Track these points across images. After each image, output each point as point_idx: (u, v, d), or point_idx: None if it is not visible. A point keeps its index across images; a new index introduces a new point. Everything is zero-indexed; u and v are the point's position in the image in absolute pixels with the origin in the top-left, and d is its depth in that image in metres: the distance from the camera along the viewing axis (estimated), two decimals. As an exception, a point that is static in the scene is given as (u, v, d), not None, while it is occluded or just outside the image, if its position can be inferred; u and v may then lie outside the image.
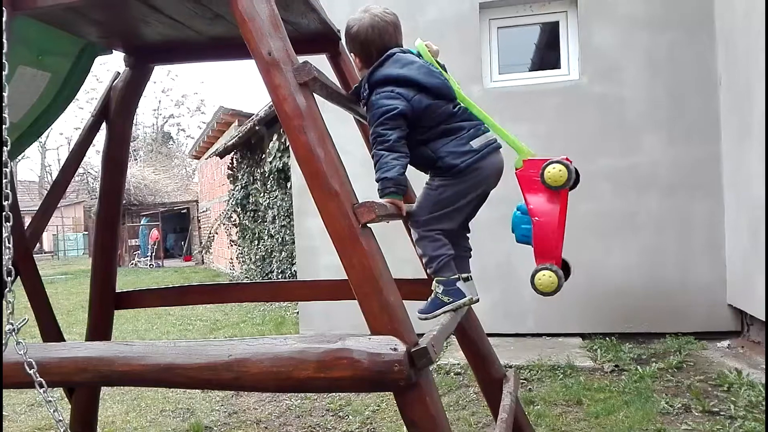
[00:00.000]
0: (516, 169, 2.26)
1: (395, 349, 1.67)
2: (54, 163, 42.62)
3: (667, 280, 5.37)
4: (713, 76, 5.25)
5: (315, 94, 1.91)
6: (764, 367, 4.34)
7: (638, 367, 4.52)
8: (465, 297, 2.31)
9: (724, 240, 5.25)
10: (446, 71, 2.39)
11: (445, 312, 2.29)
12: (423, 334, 1.91)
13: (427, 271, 2.39)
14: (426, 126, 2.25)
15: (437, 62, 2.37)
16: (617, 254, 5.45)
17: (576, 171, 2.22)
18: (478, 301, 2.45)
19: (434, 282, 2.34)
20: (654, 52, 5.36)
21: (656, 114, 5.37)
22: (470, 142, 2.28)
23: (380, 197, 2.15)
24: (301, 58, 1.91)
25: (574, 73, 5.58)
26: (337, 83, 2.71)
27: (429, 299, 2.35)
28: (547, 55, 5.91)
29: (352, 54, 2.44)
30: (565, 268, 2.33)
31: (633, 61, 5.40)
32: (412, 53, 2.36)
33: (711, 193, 5.28)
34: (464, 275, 2.45)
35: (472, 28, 5.56)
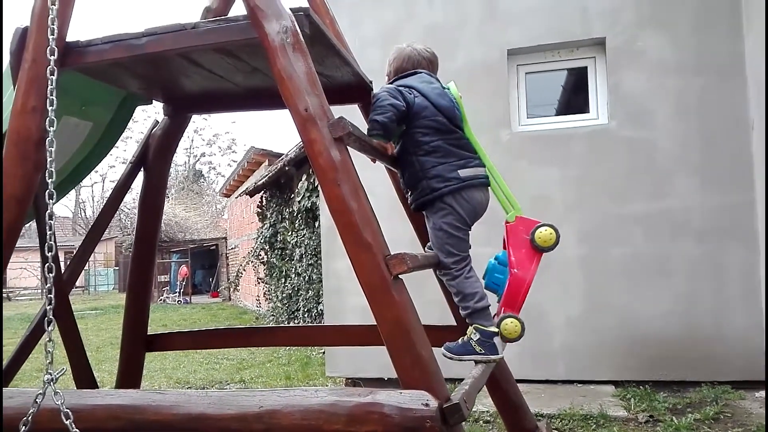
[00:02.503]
0: (507, 222, 2.49)
1: (427, 405, 1.66)
2: (88, 200, 43.64)
3: (702, 326, 5.24)
4: (745, 121, 5.20)
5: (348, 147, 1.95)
6: (807, 420, 4.18)
7: (674, 417, 4.39)
8: (498, 354, 2.32)
9: (761, 286, 5.12)
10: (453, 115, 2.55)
11: (472, 360, 2.30)
12: (451, 380, 1.89)
13: (462, 312, 2.42)
14: (423, 128, 2.41)
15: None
16: (650, 300, 5.34)
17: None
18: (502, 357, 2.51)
19: (471, 328, 2.34)
20: (684, 96, 5.34)
21: (688, 159, 5.32)
22: (458, 170, 2.41)
23: (368, 135, 2.30)
24: (334, 108, 1.97)
25: (603, 118, 5.58)
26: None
27: (460, 341, 2.36)
28: (574, 100, 5.93)
29: (387, 77, 2.72)
30: None
31: (663, 105, 5.39)
32: (439, 82, 2.60)
33: (746, 239, 5.18)
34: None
35: (500, 73, 5.62)
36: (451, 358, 2.35)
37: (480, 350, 2.29)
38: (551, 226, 2.38)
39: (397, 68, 2.64)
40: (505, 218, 2.49)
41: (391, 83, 2.55)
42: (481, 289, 2.40)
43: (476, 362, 2.29)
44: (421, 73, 2.59)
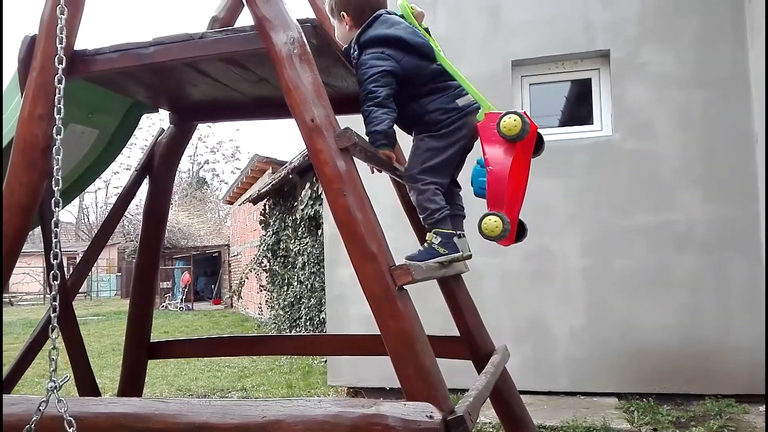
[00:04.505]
0: (478, 122, 2.39)
1: (431, 417, 1.65)
2: (91, 206, 43.73)
3: (705, 339, 5.22)
4: (749, 134, 5.20)
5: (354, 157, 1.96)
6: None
7: (677, 430, 4.36)
8: (459, 252, 2.34)
9: (764, 299, 5.10)
10: (430, 34, 2.52)
11: (436, 262, 2.31)
12: (454, 390, 1.89)
13: (425, 223, 2.44)
14: (416, 84, 2.39)
15: (421, 26, 2.50)
16: (653, 312, 5.32)
17: (539, 135, 2.37)
18: (470, 257, 2.49)
19: (431, 233, 2.37)
20: (688, 109, 5.34)
21: (691, 171, 5.32)
22: (456, 100, 2.42)
23: (372, 147, 2.24)
24: (340, 118, 1.97)
25: (606, 129, 5.59)
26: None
27: (422, 248, 2.38)
28: (578, 111, 5.94)
29: (343, 14, 2.48)
30: (521, 228, 2.42)
31: (667, 117, 5.39)
32: (397, 15, 2.48)
33: (749, 252, 5.16)
34: (460, 232, 2.48)
35: (504, 84, 5.63)
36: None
37: (444, 251, 2.31)
38: (516, 112, 2.24)
39: (359, 1, 2.44)
40: (476, 119, 2.42)
41: (360, 37, 2.38)
42: (443, 203, 2.39)
43: (441, 264, 2.31)
44: (381, 14, 2.43)
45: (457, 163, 2.53)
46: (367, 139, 2.27)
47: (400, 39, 2.34)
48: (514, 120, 2.22)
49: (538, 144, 2.40)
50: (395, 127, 2.40)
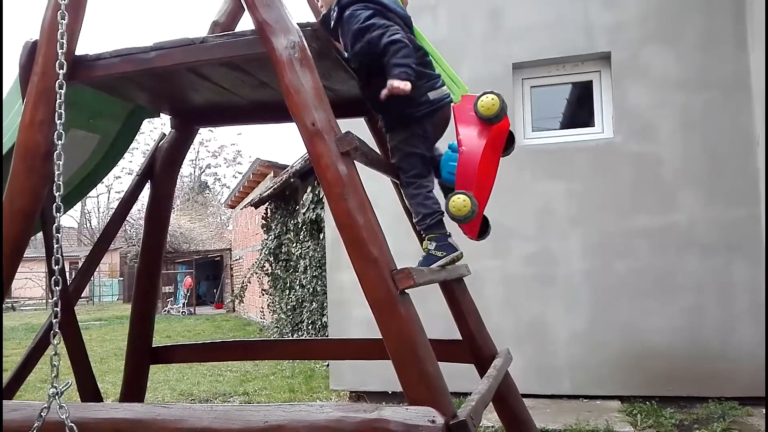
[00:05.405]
0: (453, 104, 2.39)
1: (433, 422, 1.64)
2: (93, 211, 43.78)
3: (708, 342, 5.20)
4: (750, 136, 5.19)
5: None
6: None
7: (680, 434, 4.35)
8: (457, 251, 2.36)
9: (765, 301, 5.08)
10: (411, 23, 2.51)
11: (438, 266, 2.33)
12: (457, 394, 1.88)
13: (419, 228, 2.46)
14: None
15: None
16: (656, 314, 5.31)
17: (511, 134, 2.39)
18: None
19: (426, 240, 2.39)
20: (689, 111, 5.34)
21: (693, 173, 5.31)
22: (428, 93, 2.39)
23: (402, 79, 2.17)
24: (341, 122, 1.97)
25: (608, 131, 5.58)
26: (374, 146, 2.78)
27: (422, 257, 2.39)
28: (579, 113, 5.93)
29: None
30: (484, 225, 2.45)
31: (668, 120, 5.39)
32: None
33: (752, 254, 5.15)
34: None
35: (505, 87, 5.62)
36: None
37: (442, 254, 2.33)
38: (494, 92, 2.23)
39: None
40: (453, 101, 2.41)
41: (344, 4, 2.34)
42: (436, 207, 2.39)
43: (443, 267, 2.33)
44: None
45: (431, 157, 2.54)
46: (395, 71, 2.17)
47: (380, 1, 2.34)
48: (492, 99, 2.22)
49: (509, 143, 2.41)
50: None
